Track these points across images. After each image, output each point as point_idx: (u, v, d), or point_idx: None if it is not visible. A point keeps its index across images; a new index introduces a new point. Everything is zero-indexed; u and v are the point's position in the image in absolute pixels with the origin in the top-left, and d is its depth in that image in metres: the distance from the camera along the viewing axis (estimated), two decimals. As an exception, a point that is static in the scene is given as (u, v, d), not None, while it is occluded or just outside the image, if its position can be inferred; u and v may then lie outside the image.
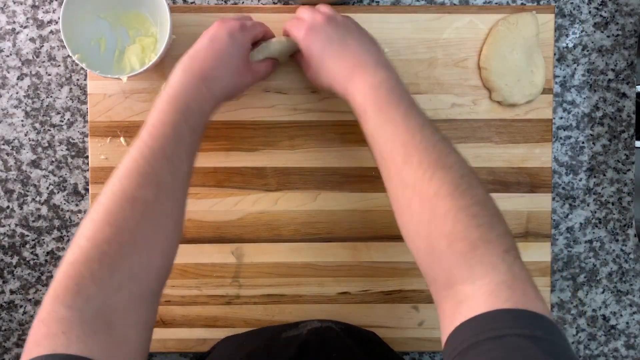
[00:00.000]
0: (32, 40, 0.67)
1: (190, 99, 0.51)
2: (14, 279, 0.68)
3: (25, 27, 0.67)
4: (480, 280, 0.40)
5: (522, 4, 0.67)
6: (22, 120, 0.67)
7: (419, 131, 0.48)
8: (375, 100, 0.51)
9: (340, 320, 0.66)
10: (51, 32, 0.67)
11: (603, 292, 0.69)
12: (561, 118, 0.68)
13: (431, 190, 0.44)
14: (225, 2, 0.67)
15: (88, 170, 0.66)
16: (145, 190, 0.45)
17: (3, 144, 0.67)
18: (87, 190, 0.67)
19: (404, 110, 0.50)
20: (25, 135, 0.67)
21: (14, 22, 0.66)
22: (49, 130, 0.67)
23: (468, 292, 0.40)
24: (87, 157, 0.67)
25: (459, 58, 0.66)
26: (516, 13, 0.65)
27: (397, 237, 0.67)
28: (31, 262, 0.67)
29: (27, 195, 0.67)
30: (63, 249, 0.67)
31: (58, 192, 0.67)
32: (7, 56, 0.67)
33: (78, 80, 0.67)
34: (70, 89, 0.67)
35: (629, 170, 0.68)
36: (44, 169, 0.67)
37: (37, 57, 0.67)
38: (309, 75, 0.60)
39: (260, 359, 0.55)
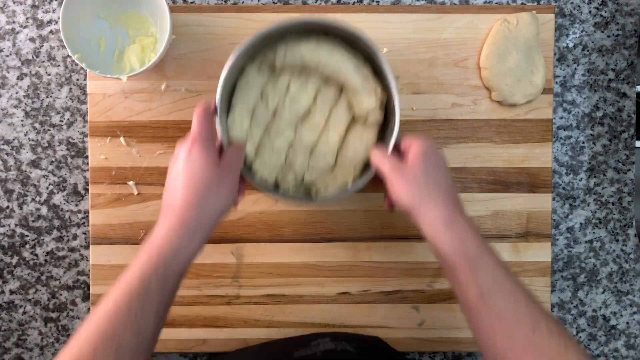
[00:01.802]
0: (32, 40, 0.67)
1: (164, 245, 0.46)
2: (13, 279, 0.68)
3: (25, 27, 0.67)
4: None
5: (522, 3, 0.67)
6: (22, 120, 0.67)
7: (530, 294, 0.46)
8: (481, 252, 0.47)
9: (342, 323, 0.66)
10: (51, 32, 0.67)
11: (603, 292, 0.69)
12: (561, 118, 0.68)
13: None
14: (225, 2, 0.67)
15: (88, 170, 0.66)
16: (103, 356, 0.41)
17: (3, 144, 0.67)
18: (87, 190, 0.67)
19: (507, 267, 0.47)
20: (25, 135, 0.67)
21: (14, 22, 0.66)
22: (49, 130, 0.67)
23: None
24: (87, 157, 0.67)
25: (459, 58, 0.66)
26: (516, 13, 0.65)
27: (397, 237, 0.67)
28: (31, 262, 0.67)
29: (27, 195, 0.67)
30: (63, 249, 0.67)
31: (58, 192, 0.67)
32: (7, 56, 0.67)
33: (78, 80, 0.67)
34: (70, 88, 0.67)
35: (629, 170, 0.68)
36: (44, 169, 0.67)
37: (37, 57, 0.67)
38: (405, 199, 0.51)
39: None
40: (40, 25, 0.67)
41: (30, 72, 0.67)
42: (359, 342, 0.62)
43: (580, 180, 0.68)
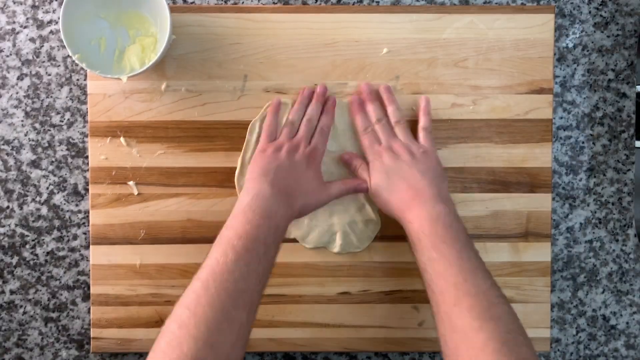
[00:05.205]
0: (32, 40, 0.67)
1: (275, 214, 0.55)
2: (14, 279, 0.68)
3: (25, 27, 0.67)
4: None
5: (522, 3, 0.67)
6: (22, 120, 0.67)
7: (471, 275, 0.50)
8: (431, 233, 0.53)
9: (342, 323, 0.66)
10: (51, 32, 0.67)
11: (603, 292, 0.69)
12: (561, 118, 0.68)
13: (479, 342, 0.46)
14: (225, 2, 0.67)
15: (88, 170, 0.66)
16: (241, 312, 0.48)
17: (3, 144, 0.67)
18: (87, 190, 0.67)
19: (459, 250, 0.52)
20: (25, 135, 0.67)
21: (14, 22, 0.66)
22: (49, 130, 0.67)
23: None
24: (87, 157, 0.67)
25: (459, 58, 0.66)
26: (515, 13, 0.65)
27: (397, 238, 0.67)
28: (31, 262, 0.67)
29: (27, 195, 0.67)
30: (63, 249, 0.67)
31: (58, 192, 0.67)
32: (7, 56, 0.67)
33: (78, 80, 0.67)
34: (70, 89, 0.67)
35: (629, 170, 0.68)
36: (44, 169, 0.67)
37: (37, 57, 0.67)
38: (371, 192, 0.62)
39: None
40: (40, 25, 0.67)
41: (30, 72, 0.67)
42: None
43: (580, 180, 0.68)
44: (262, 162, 0.60)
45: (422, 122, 0.64)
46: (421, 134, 0.64)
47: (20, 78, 0.67)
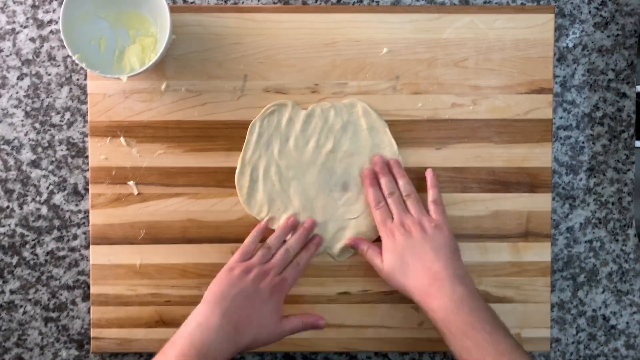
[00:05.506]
0: (32, 40, 0.67)
1: (213, 352, 0.53)
2: (14, 279, 0.68)
3: (25, 27, 0.67)
4: None
5: (522, 3, 0.67)
6: (22, 120, 0.67)
7: (508, 355, 0.51)
8: (458, 321, 0.54)
9: (342, 323, 0.66)
10: (51, 32, 0.67)
11: (603, 292, 0.69)
12: (561, 118, 0.68)
13: None
14: (225, 2, 0.67)
15: (88, 170, 0.66)
16: None
17: (3, 144, 0.67)
18: (87, 190, 0.67)
19: (490, 332, 0.53)
20: (25, 135, 0.67)
21: (14, 22, 0.67)
22: (49, 130, 0.67)
23: None
24: (87, 157, 0.67)
25: (459, 58, 0.66)
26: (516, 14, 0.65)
27: (397, 237, 0.66)
28: (31, 262, 0.67)
29: (27, 195, 0.67)
30: (63, 249, 0.67)
31: (58, 192, 0.67)
32: (7, 56, 0.67)
33: (78, 80, 0.67)
34: (70, 89, 0.67)
35: (629, 170, 0.68)
36: (44, 168, 0.67)
37: (37, 57, 0.67)
38: (385, 275, 0.61)
39: None
40: (40, 25, 0.67)
41: (30, 72, 0.67)
42: None
43: (580, 180, 0.68)
44: (224, 283, 0.58)
45: (431, 195, 0.63)
46: (431, 208, 0.63)
47: (20, 78, 0.67)
